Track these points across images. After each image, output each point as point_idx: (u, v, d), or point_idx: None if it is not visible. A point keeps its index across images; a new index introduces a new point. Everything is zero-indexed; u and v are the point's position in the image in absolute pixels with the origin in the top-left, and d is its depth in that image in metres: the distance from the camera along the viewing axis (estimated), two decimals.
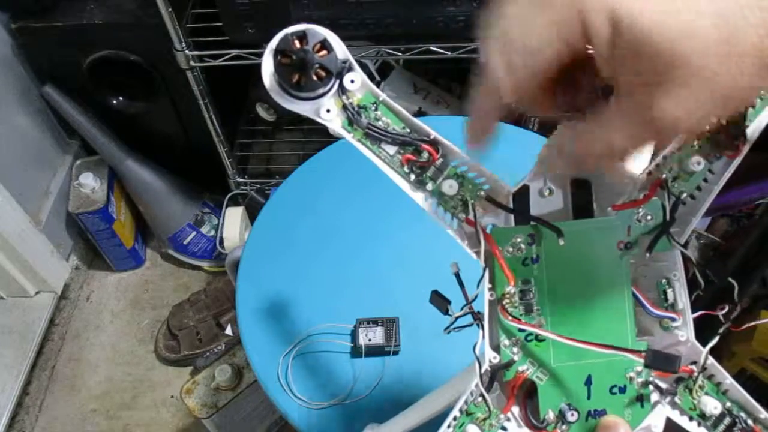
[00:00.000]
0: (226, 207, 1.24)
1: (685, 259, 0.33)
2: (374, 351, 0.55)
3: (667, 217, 0.32)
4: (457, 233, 0.33)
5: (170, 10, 0.88)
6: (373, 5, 0.83)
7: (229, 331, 1.18)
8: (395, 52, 0.92)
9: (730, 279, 0.33)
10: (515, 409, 0.33)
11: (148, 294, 1.31)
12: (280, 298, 0.60)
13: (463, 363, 0.39)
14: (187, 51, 0.95)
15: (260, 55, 1.02)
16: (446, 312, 0.33)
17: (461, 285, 0.33)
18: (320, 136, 1.24)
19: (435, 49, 0.91)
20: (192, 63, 0.97)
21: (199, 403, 0.91)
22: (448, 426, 0.31)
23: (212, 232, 1.29)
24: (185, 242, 1.27)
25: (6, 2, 1.03)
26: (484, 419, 0.32)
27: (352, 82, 0.31)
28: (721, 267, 0.81)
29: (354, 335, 0.56)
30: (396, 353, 0.56)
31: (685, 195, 0.33)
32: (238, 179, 1.23)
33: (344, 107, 0.31)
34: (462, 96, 1.22)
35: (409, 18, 0.85)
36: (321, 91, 0.30)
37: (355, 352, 0.56)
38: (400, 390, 0.43)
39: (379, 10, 0.84)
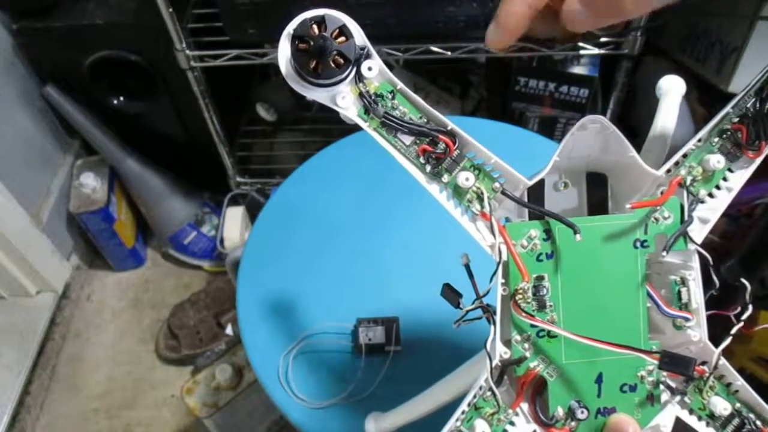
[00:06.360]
0: (227, 207, 1.24)
1: (701, 258, 0.33)
2: (375, 350, 0.55)
3: (686, 216, 0.32)
4: (471, 226, 0.32)
5: (170, 10, 0.89)
6: (373, 5, 0.83)
7: (229, 330, 1.18)
8: (395, 52, 0.92)
9: (743, 280, 0.32)
10: (524, 405, 0.33)
11: (148, 294, 1.32)
12: (280, 297, 0.61)
13: (465, 362, 0.39)
14: (187, 51, 0.95)
15: (261, 56, 1.02)
16: (457, 305, 0.33)
17: (471, 276, 0.32)
18: (320, 136, 1.24)
19: (435, 49, 0.91)
20: (192, 63, 0.97)
21: (199, 402, 0.91)
22: (457, 420, 0.31)
23: (212, 232, 1.29)
24: (186, 242, 1.27)
25: (6, 2, 1.04)
26: (493, 414, 0.32)
27: (370, 69, 0.30)
28: (737, 268, 0.81)
29: (354, 335, 0.57)
30: (396, 353, 0.56)
31: (703, 194, 0.33)
32: (238, 179, 1.23)
33: (361, 95, 0.30)
34: (462, 96, 1.22)
35: (409, 18, 0.85)
36: (338, 78, 0.30)
37: (356, 351, 0.56)
38: (400, 390, 0.43)
39: (379, 10, 0.84)
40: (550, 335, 0.32)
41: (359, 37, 0.30)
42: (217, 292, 1.23)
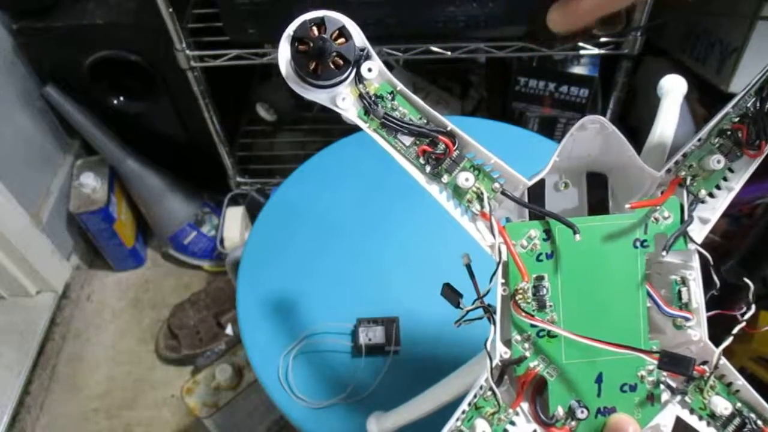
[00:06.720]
0: (227, 207, 1.24)
1: (701, 258, 0.33)
2: (374, 350, 0.55)
3: (686, 215, 0.32)
4: (471, 227, 0.32)
5: (170, 10, 0.88)
6: (373, 5, 0.83)
7: (229, 330, 1.18)
8: (395, 52, 0.92)
9: (746, 279, 0.32)
10: (524, 405, 0.33)
11: (148, 294, 1.32)
12: (280, 297, 0.61)
13: (464, 362, 0.39)
14: (187, 51, 0.95)
15: (261, 56, 1.02)
16: (458, 305, 0.33)
17: (472, 277, 0.32)
18: (320, 136, 1.24)
19: (435, 49, 0.91)
20: (192, 63, 0.97)
21: (199, 402, 0.91)
22: (457, 419, 0.31)
23: (212, 232, 1.29)
24: (186, 242, 1.27)
25: (7, 2, 1.04)
26: (493, 414, 0.32)
27: (370, 70, 0.30)
28: (739, 269, 0.81)
29: (354, 335, 0.57)
30: (396, 353, 0.56)
31: (704, 193, 0.33)
32: (238, 179, 1.23)
33: (361, 96, 0.30)
34: (462, 96, 1.22)
35: (409, 18, 0.85)
36: (338, 79, 0.30)
37: (356, 351, 0.56)
38: (400, 390, 0.43)
39: (380, 10, 0.84)
40: (550, 335, 0.32)
41: (359, 38, 0.30)
42: (217, 292, 1.23)
